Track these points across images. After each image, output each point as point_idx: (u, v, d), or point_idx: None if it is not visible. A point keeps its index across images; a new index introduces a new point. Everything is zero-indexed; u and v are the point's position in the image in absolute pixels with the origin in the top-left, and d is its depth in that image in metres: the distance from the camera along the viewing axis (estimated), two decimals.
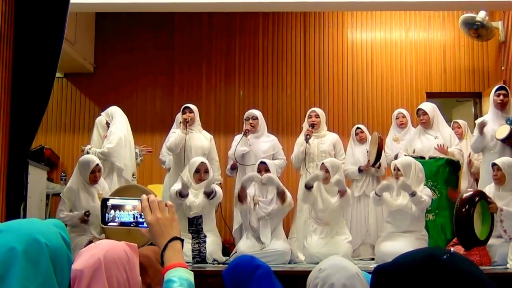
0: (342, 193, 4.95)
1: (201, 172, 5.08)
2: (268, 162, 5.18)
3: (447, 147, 5.49)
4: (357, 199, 5.90)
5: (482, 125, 5.27)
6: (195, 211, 4.94)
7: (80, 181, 5.06)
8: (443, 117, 5.90)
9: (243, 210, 5.04)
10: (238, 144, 5.59)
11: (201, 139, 5.68)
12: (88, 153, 5.53)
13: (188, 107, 5.69)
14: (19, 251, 1.09)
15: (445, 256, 1.19)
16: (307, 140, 5.64)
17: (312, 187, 5.00)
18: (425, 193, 4.89)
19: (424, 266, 1.18)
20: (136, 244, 1.49)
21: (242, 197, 4.99)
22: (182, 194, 4.93)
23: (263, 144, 5.71)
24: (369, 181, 6.00)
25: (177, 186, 5.04)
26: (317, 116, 5.85)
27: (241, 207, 5.01)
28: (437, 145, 5.50)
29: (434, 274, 1.16)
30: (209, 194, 4.94)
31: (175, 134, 5.59)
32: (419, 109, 5.81)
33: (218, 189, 5.05)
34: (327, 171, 5.04)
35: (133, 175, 5.78)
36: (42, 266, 1.11)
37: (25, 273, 1.08)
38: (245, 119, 5.80)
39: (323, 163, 5.12)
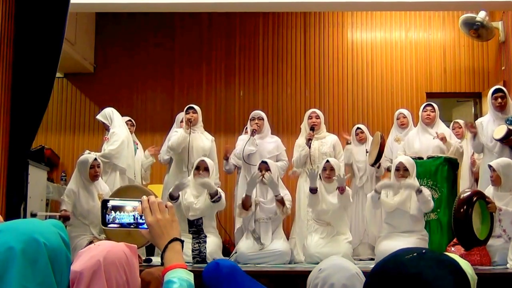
0: (341, 190, 4.90)
1: (200, 169, 5.08)
2: (270, 162, 5.18)
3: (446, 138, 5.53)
4: (355, 198, 5.89)
5: (473, 133, 5.35)
6: (193, 213, 4.92)
7: (80, 181, 5.06)
8: (442, 118, 5.94)
9: (247, 217, 5.03)
10: (246, 143, 5.59)
11: (202, 140, 5.68)
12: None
13: (192, 107, 5.69)
14: (18, 250, 1.09)
15: (408, 256, 1.14)
16: (309, 145, 5.58)
17: (316, 188, 4.98)
18: (427, 194, 4.87)
19: (382, 266, 1.17)
20: (136, 246, 1.49)
21: (246, 206, 4.98)
22: (172, 197, 4.91)
23: (267, 144, 5.70)
24: (369, 181, 6.01)
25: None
26: (318, 117, 5.79)
27: (246, 213, 5.00)
28: (436, 132, 5.52)
29: (387, 274, 1.14)
30: (214, 196, 4.93)
31: (177, 133, 5.59)
32: (429, 104, 5.80)
33: (223, 194, 5.04)
34: (331, 169, 5.05)
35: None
36: (41, 265, 1.11)
37: (23, 272, 1.08)
38: (250, 119, 5.77)
39: (328, 161, 5.11)
